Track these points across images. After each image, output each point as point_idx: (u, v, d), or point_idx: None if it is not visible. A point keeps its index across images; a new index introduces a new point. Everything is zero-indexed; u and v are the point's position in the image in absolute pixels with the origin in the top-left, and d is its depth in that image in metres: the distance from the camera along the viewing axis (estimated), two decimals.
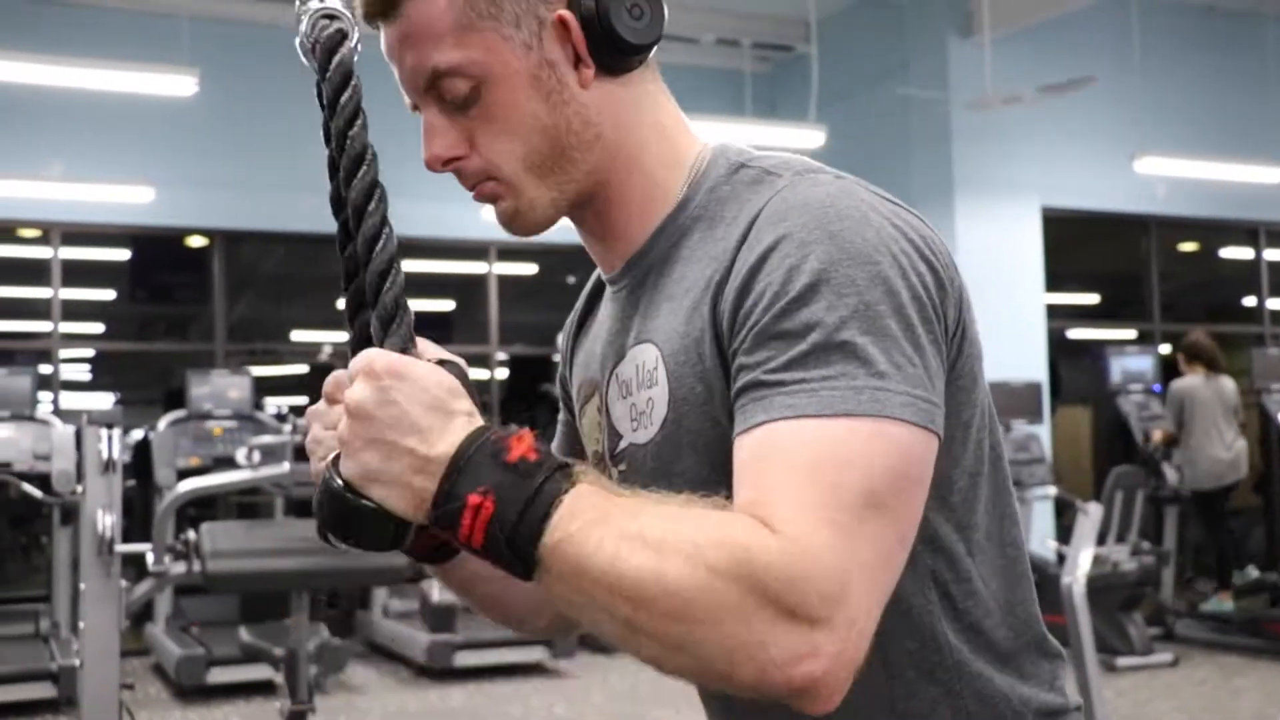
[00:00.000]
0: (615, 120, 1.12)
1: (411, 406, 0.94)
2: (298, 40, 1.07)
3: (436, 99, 1.10)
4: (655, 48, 1.13)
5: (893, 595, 0.96)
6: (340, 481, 0.95)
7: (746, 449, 0.96)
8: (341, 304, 1.10)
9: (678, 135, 1.17)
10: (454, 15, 1.07)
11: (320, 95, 1.06)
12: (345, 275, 1.08)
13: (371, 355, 0.97)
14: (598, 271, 1.26)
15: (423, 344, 1.06)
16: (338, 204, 1.07)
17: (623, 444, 1.16)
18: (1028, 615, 1.15)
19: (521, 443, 0.93)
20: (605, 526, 0.90)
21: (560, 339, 1.37)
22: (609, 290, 1.23)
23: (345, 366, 1.01)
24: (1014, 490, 1.16)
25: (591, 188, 1.14)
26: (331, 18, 1.06)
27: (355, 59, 1.06)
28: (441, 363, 0.99)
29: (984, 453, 1.11)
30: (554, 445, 1.36)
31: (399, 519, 0.95)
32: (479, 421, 0.96)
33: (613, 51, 1.10)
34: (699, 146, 1.17)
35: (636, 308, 1.16)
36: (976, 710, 1.10)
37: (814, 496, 0.91)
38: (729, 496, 0.97)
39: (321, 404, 1.09)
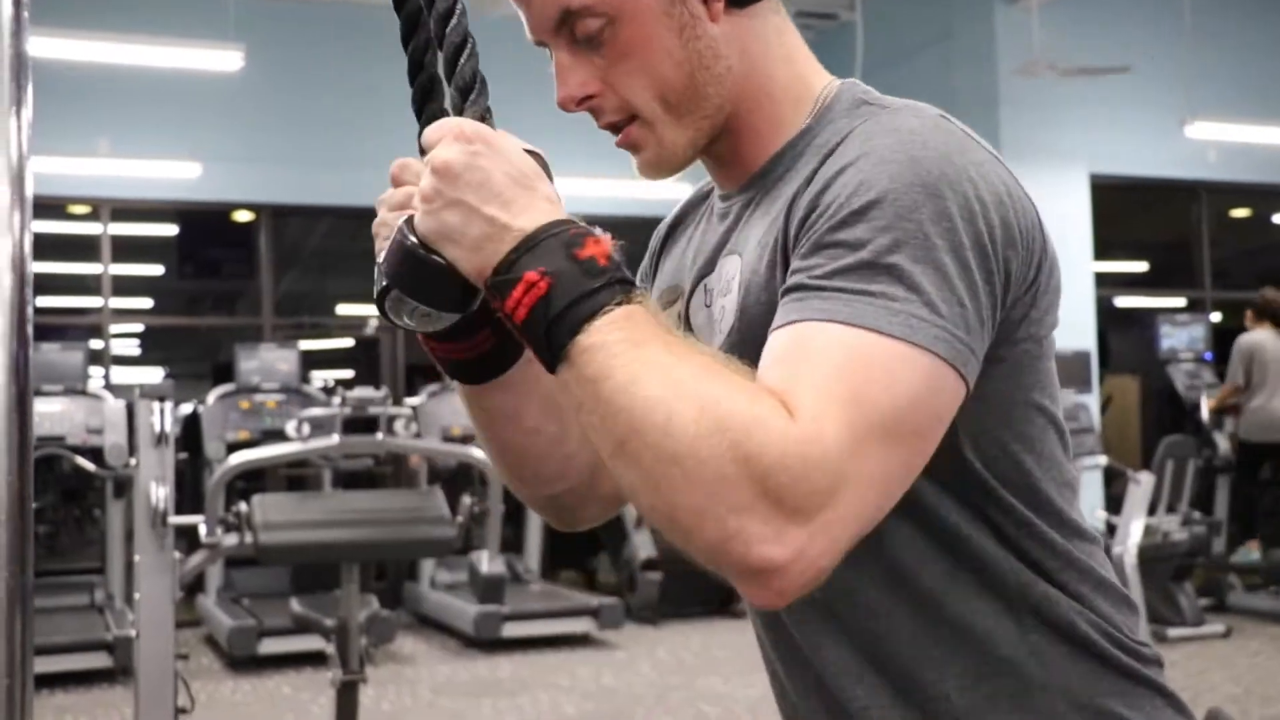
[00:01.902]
0: (743, 51, 1.12)
1: (497, 174, 0.95)
2: None
3: (567, 38, 1.10)
4: None
5: (954, 528, 1.01)
6: (414, 239, 0.97)
7: (776, 342, 0.96)
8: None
9: (804, 67, 1.17)
10: None
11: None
12: (411, 67, 1.08)
13: (460, 120, 0.98)
14: (702, 183, 1.27)
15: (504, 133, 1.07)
16: None
17: None
18: (1090, 562, 1.12)
19: (598, 245, 0.94)
20: (639, 349, 0.90)
21: (652, 239, 1.36)
22: (718, 204, 1.22)
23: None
24: (1070, 449, 1.14)
25: (724, 119, 1.14)
26: None
27: None
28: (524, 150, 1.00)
29: (1050, 408, 1.11)
30: None
31: (466, 283, 0.97)
32: (562, 211, 0.97)
33: None
34: (825, 80, 1.17)
35: (739, 222, 1.17)
36: (1041, 643, 1.08)
37: (837, 393, 0.90)
38: None
39: (389, 190, 1.10)
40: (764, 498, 0.87)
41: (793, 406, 0.89)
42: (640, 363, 0.90)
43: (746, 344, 1.06)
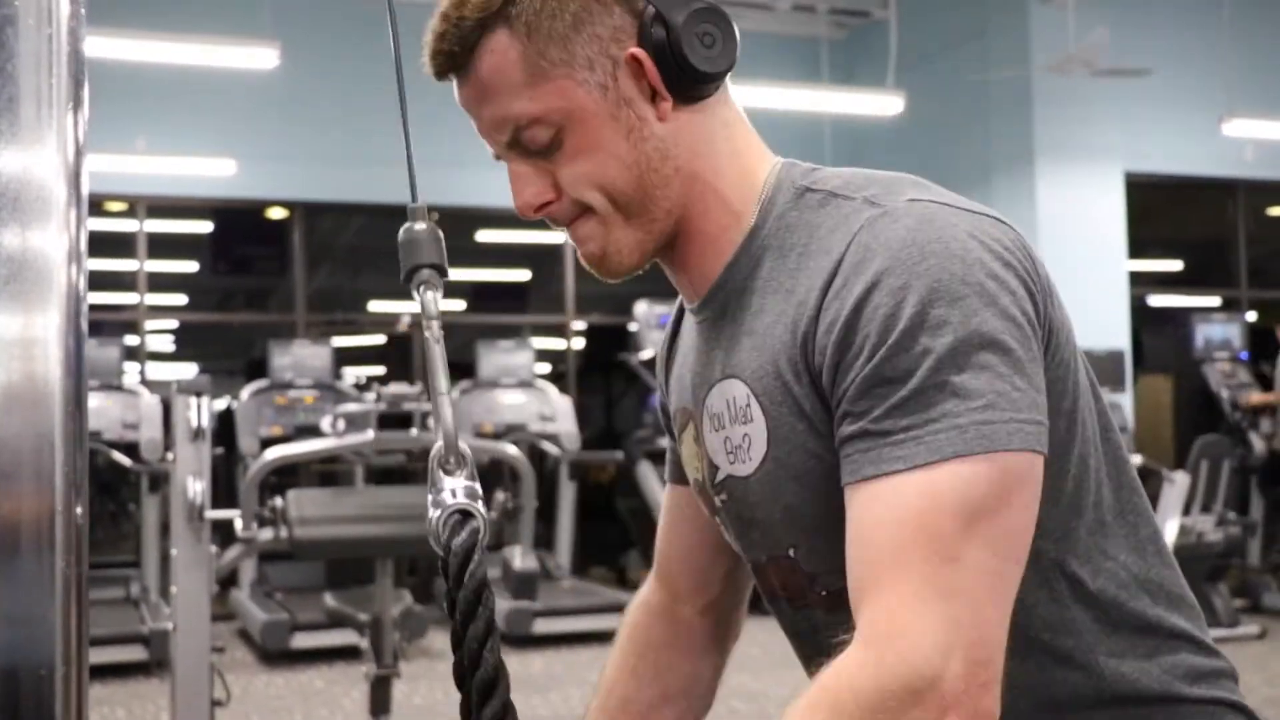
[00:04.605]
0: (692, 150, 1.13)
1: None
2: (429, 527, 1.02)
3: (520, 149, 1.11)
4: (729, 74, 1.13)
5: (1020, 593, 0.99)
6: None
7: (855, 507, 1.00)
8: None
9: (750, 159, 1.16)
10: (526, 66, 1.08)
11: (449, 606, 1.04)
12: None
13: None
14: (681, 297, 1.27)
15: None
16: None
17: (721, 475, 1.18)
18: (1160, 580, 1.15)
19: None
20: None
21: (655, 366, 1.39)
22: (691, 319, 1.24)
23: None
24: (1128, 458, 1.16)
25: (674, 224, 1.14)
26: (466, 515, 1.01)
27: (485, 563, 1.02)
28: None
29: (1091, 432, 1.11)
30: (666, 472, 1.39)
31: None
32: None
33: (687, 82, 1.10)
34: (768, 167, 1.16)
35: (719, 340, 1.17)
36: (1120, 687, 1.11)
37: (913, 565, 0.95)
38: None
39: None
40: (907, 708, 0.92)
41: (866, 620, 0.96)
42: None
43: (785, 469, 1.10)
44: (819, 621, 1.16)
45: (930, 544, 0.95)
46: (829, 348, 1.03)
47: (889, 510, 0.97)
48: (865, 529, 0.99)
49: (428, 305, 1.03)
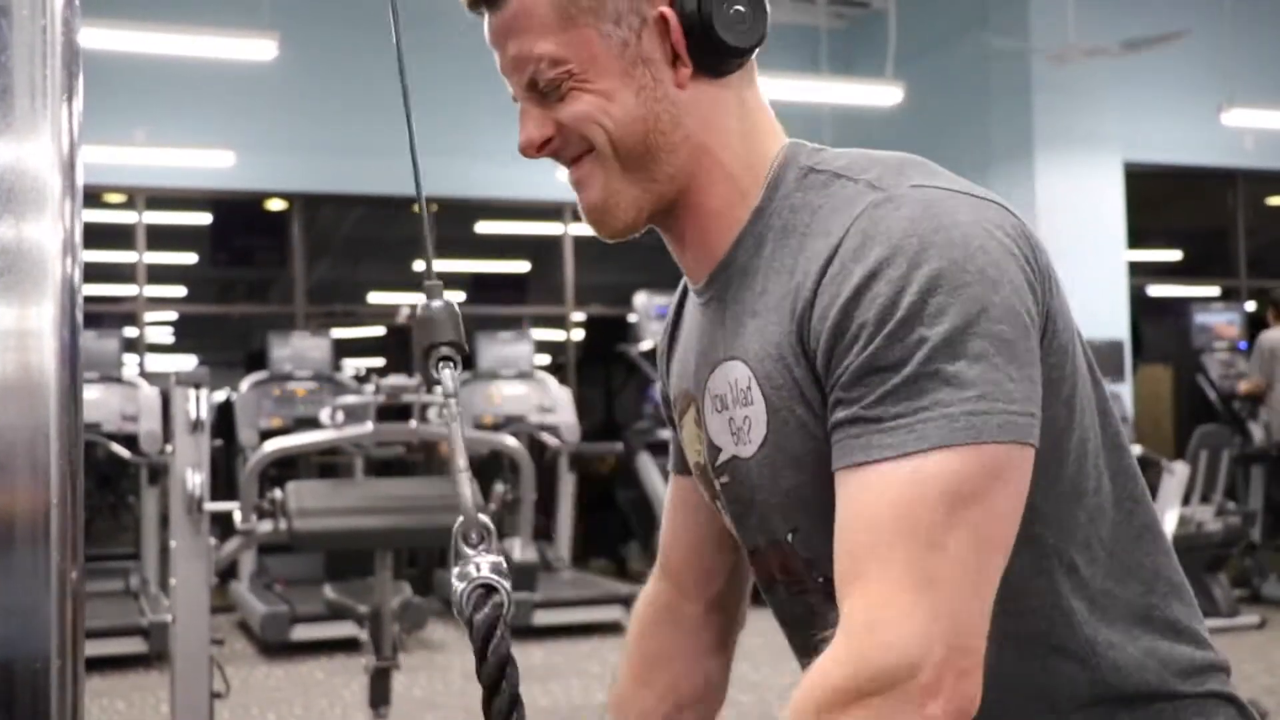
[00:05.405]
0: (706, 122, 1.13)
1: None
2: (453, 597, 1.02)
3: (535, 92, 1.12)
4: (756, 51, 1.13)
5: (1018, 581, 1.01)
6: None
7: (844, 495, 1.01)
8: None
9: (764, 139, 1.16)
10: (556, 9, 1.09)
11: (472, 642, 1.01)
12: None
13: None
14: (684, 280, 1.26)
15: None
16: None
17: (724, 456, 1.18)
18: (1156, 567, 1.15)
19: None
20: None
21: (656, 354, 1.38)
22: (695, 299, 1.23)
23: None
24: (1127, 444, 1.16)
25: (675, 193, 1.14)
26: (489, 589, 1.00)
27: (509, 635, 1.00)
28: None
29: (1090, 418, 1.11)
30: (670, 463, 1.39)
31: None
32: None
33: (712, 53, 1.11)
34: (777, 147, 1.16)
35: (723, 320, 1.17)
36: (1115, 680, 1.11)
37: (896, 554, 0.96)
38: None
39: None
40: (888, 702, 0.94)
41: (850, 610, 0.97)
42: None
43: (783, 453, 1.10)
44: (815, 608, 1.16)
45: (913, 533, 0.96)
46: (824, 333, 1.03)
47: (876, 498, 0.98)
48: (851, 518, 1.00)
49: (447, 383, 1.05)
